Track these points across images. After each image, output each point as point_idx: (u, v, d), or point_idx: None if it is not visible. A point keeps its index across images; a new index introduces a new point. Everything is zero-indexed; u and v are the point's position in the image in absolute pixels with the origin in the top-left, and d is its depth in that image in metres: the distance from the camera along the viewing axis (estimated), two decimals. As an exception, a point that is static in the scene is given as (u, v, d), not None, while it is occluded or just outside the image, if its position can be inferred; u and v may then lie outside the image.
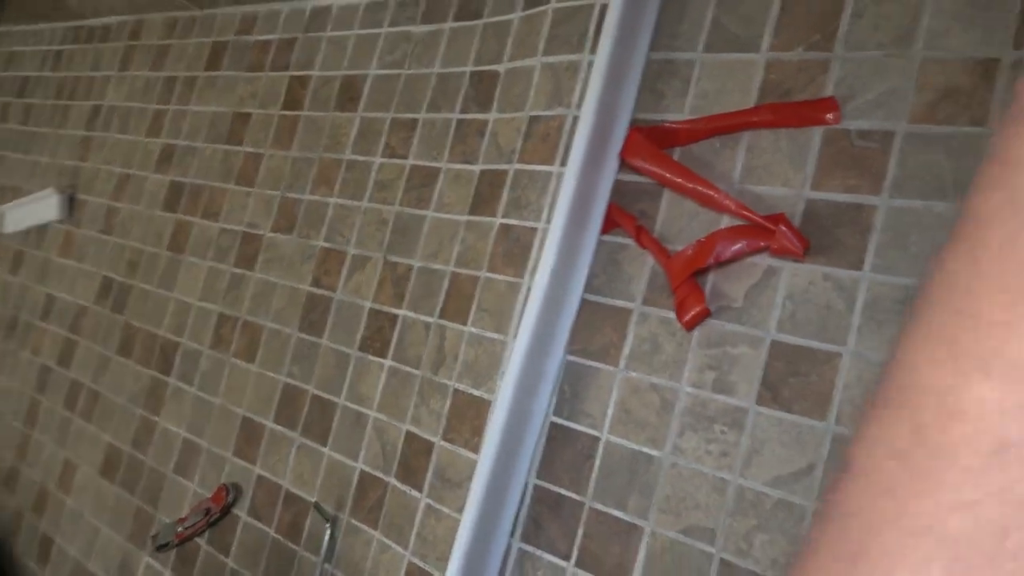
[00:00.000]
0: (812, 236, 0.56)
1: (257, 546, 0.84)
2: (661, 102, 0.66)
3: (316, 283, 0.88)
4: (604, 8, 0.70)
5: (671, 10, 0.67)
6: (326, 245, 0.89)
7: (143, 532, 0.96)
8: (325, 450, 0.81)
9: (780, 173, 0.59)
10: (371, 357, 0.80)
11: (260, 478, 0.86)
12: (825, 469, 0.53)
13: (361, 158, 0.89)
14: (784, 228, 0.56)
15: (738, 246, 0.58)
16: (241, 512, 0.87)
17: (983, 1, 0.53)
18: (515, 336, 0.68)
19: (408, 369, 0.77)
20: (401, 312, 0.79)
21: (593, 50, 0.70)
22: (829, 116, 0.57)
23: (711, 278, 0.60)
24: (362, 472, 0.77)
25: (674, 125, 0.64)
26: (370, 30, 0.94)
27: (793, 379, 0.55)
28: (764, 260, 0.58)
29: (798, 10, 0.61)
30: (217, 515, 0.87)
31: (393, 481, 0.74)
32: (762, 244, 0.57)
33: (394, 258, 0.82)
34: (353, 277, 0.85)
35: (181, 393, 0.98)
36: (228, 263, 0.99)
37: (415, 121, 0.85)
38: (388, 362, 0.79)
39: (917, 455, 0.15)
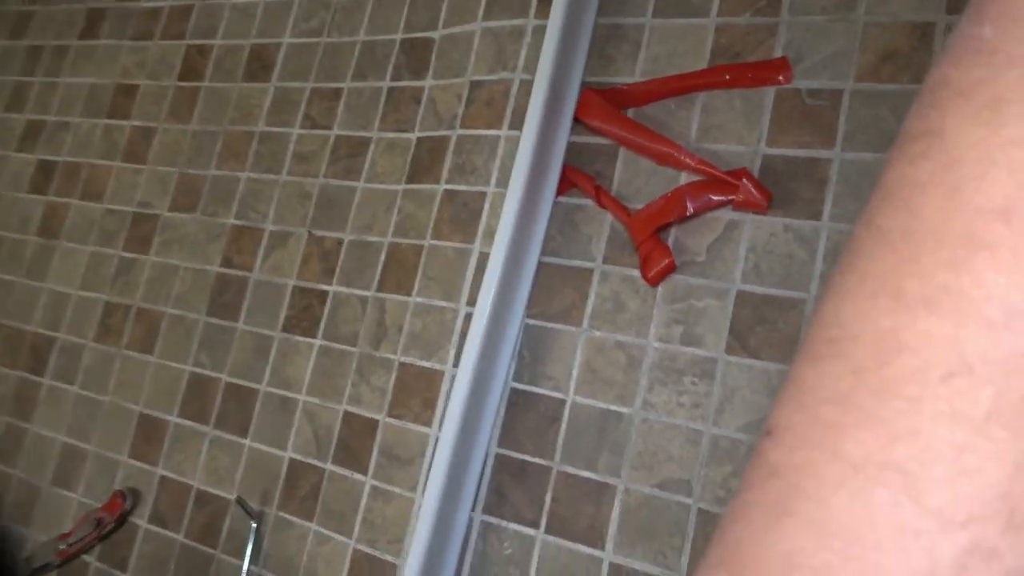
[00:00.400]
0: (771, 190, 0.58)
1: (163, 555, 0.74)
2: (611, 66, 0.66)
3: (228, 263, 0.81)
4: (547, -27, 0.70)
5: (617, -23, 0.68)
6: (238, 222, 0.82)
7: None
8: (245, 442, 0.74)
9: (735, 131, 0.61)
10: (298, 337, 0.74)
11: (164, 480, 0.77)
12: (796, 412, 0.54)
13: (276, 130, 0.83)
14: (748, 182, 0.57)
15: (704, 200, 0.58)
16: (141, 520, 0.77)
17: (915, -28, 0.58)
18: (468, 303, 0.65)
19: (343, 347, 0.71)
20: (332, 288, 0.74)
21: (537, 15, 0.69)
22: (780, 77, 0.60)
23: (673, 234, 0.60)
24: (292, 461, 0.71)
25: (628, 87, 0.65)
26: (282, -3, 0.88)
27: (760, 327, 0.56)
28: (725, 214, 0.59)
29: (744, -22, 0.63)
30: (111, 526, 0.76)
31: (330, 467, 0.69)
32: (727, 198, 0.58)
33: (320, 232, 0.76)
34: (272, 255, 0.78)
35: (59, 394, 0.86)
36: (116, 247, 0.89)
37: (339, 90, 0.81)
38: (318, 341, 0.73)
39: (858, 395, 0.14)
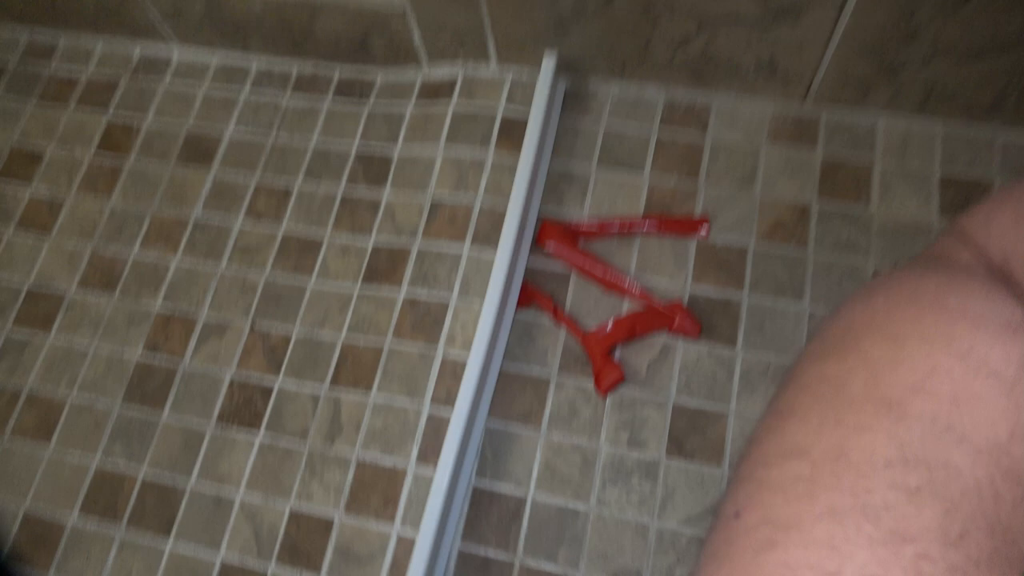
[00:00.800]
0: (698, 320, 0.71)
1: (57, 673, 0.67)
2: (562, 204, 0.78)
3: (153, 349, 0.78)
4: (506, 119, 0.81)
5: (566, 135, 0.81)
6: (166, 308, 0.80)
7: None
8: (167, 544, 0.70)
9: (667, 270, 0.74)
10: (236, 432, 0.73)
11: (60, 586, 0.70)
12: (724, 506, 0.65)
13: (216, 220, 0.83)
14: (683, 314, 0.70)
15: (646, 326, 0.70)
16: (26, 633, 0.68)
17: (796, 163, 0.76)
18: (432, 402, 0.70)
19: (290, 442, 0.72)
20: (277, 382, 0.75)
21: (496, 150, 0.80)
22: (701, 231, 0.75)
23: (619, 353, 0.71)
24: (225, 565, 0.69)
25: (579, 223, 0.76)
26: (225, 92, 0.91)
27: (693, 434, 0.68)
28: (661, 338, 0.71)
29: (670, 148, 0.79)
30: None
31: (272, 568, 0.68)
32: (666, 325, 0.70)
33: (265, 325, 0.77)
34: (207, 344, 0.78)
35: (-87, 487, 0.75)
36: (3, 323, 0.81)
37: (289, 189, 0.84)
38: (260, 436, 0.73)
39: (818, 486, 0.18)
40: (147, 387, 0.76)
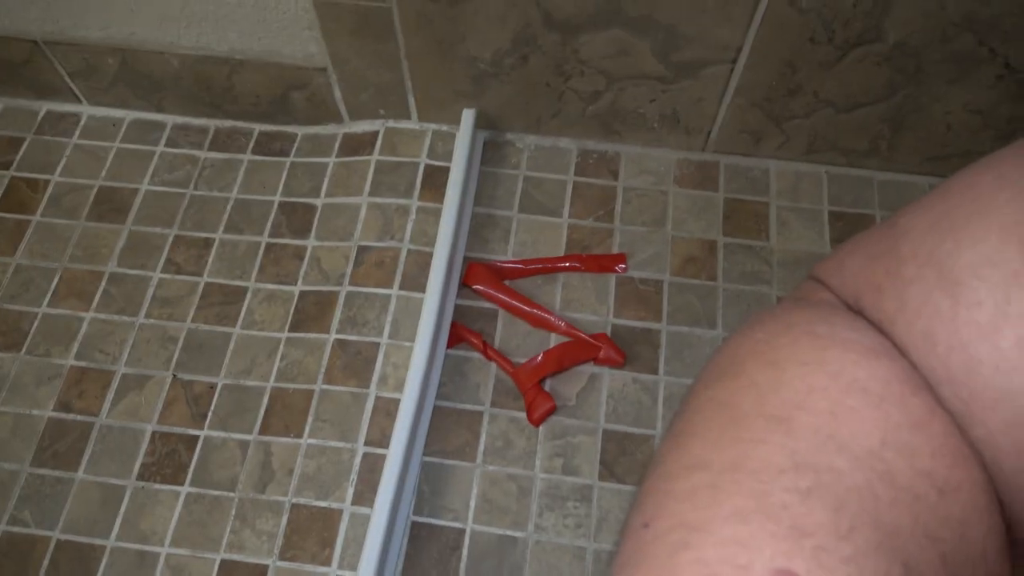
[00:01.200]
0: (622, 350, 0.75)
1: None
2: (487, 245, 0.81)
3: (65, 407, 0.74)
4: (428, 168, 0.85)
5: (488, 182, 0.85)
6: (79, 363, 0.77)
7: None
8: (82, 609, 0.66)
9: (590, 304, 0.78)
10: (158, 486, 0.70)
11: (-44, 669, 0.64)
12: (657, 526, 0.68)
13: (132, 272, 0.82)
14: (608, 344, 0.73)
15: (574, 358, 0.73)
16: None
17: (701, 204, 0.83)
18: (366, 443, 0.70)
19: (218, 493, 0.70)
20: (202, 432, 0.73)
21: (421, 198, 0.83)
22: (620, 267, 0.79)
23: (548, 384, 0.74)
24: (149, 624, 0.65)
25: (502, 263, 0.79)
26: (140, 146, 0.90)
27: (623, 458, 0.71)
28: (589, 368, 0.74)
29: (586, 193, 0.84)
30: None
31: (201, 625, 0.65)
32: (592, 356, 0.73)
33: (187, 376, 0.76)
34: (126, 398, 0.75)
35: None
36: None
37: (210, 240, 0.83)
38: (185, 488, 0.70)
39: (719, 494, 0.19)
40: (60, 446, 0.72)
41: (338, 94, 0.85)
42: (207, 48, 0.82)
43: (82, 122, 0.92)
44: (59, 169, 0.89)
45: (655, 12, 0.69)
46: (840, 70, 0.72)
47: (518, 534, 0.67)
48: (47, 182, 0.88)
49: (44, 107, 0.93)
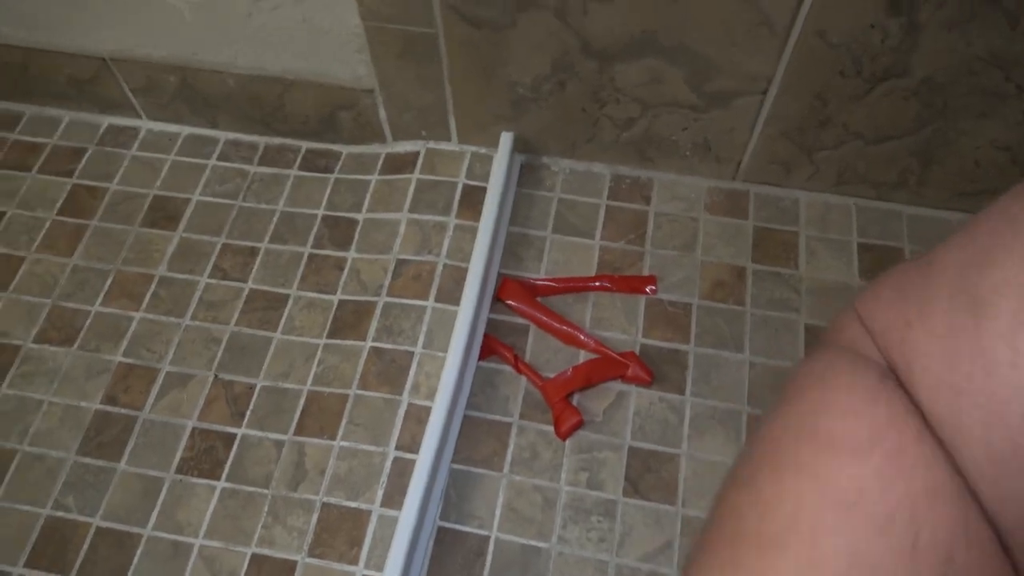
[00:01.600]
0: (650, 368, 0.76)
1: None
2: (521, 263, 0.84)
3: (112, 401, 0.78)
4: (466, 185, 0.88)
5: (523, 203, 0.88)
6: (127, 360, 0.80)
7: None
8: (118, 595, 0.68)
9: (619, 324, 0.80)
10: (195, 479, 0.73)
11: (-4, 646, 0.66)
12: (680, 544, 0.69)
13: (180, 276, 0.85)
14: (636, 363, 0.75)
15: (602, 374, 0.75)
16: None
17: (731, 231, 0.85)
18: (397, 448, 0.72)
19: (252, 489, 0.72)
20: (240, 431, 0.75)
21: (458, 216, 0.86)
22: (649, 288, 0.81)
23: (576, 399, 0.75)
24: (180, 613, 0.67)
25: (536, 281, 0.82)
26: (193, 159, 0.95)
27: (648, 475, 0.72)
28: (616, 386, 0.76)
29: (618, 217, 0.86)
30: None
31: (230, 616, 0.66)
32: (620, 373, 0.75)
33: (228, 376, 0.79)
34: (168, 395, 0.78)
35: None
36: (-49, 376, 0.80)
37: (256, 249, 0.87)
38: (221, 484, 0.73)
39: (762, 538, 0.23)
40: (104, 437, 0.76)
41: (383, 114, 0.89)
42: (262, 68, 0.87)
43: (140, 135, 0.97)
44: (117, 178, 0.94)
45: (688, 42, 0.72)
46: (868, 103, 0.74)
47: (542, 544, 0.69)
48: (105, 190, 0.93)
49: (106, 121, 0.99)
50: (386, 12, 0.76)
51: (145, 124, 0.98)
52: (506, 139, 0.86)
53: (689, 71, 0.75)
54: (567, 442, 0.73)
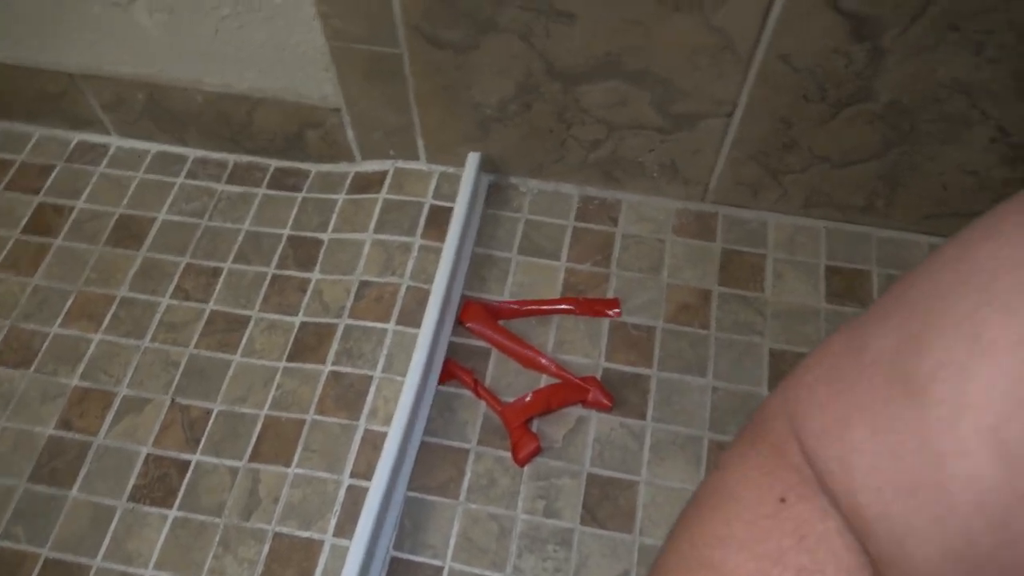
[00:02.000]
0: (611, 393, 0.75)
1: None
2: (485, 285, 0.83)
3: (66, 426, 0.76)
4: (432, 205, 0.87)
5: (490, 223, 0.87)
6: (83, 384, 0.79)
7: None
8: (64, 625, 0.67)
9: (582, 347, 0.79)
10: (147, 508, 0.72)
11: (-63, 678, 0.65)
12: (636, 573, 0.67)
13: (142, 296, 0.84)
14: (596, 388, 0.74)
15: (562, 399, 0.74)
16: None
17: (698, 253, 0.84)
18: (352, 475, 0.71)
19: (204, 518, 0.71)
20: (195, 457, 0.74)
21: (423, 236, 0.85)
22: (613, 312, 0.80)
23: (536, 425, 0.74)
24: (126, 645, 0.66)
25: (499, 303, 0.81)
26: (162, 177, 0.94)
27: (606, 502, 0.70)
28: (577, 411, 0.75)
29: (585, 238, 0.85)
30: None
31: (177, 648, 0.65)
32: (581, 398, 0.74)
33: (185, 400, 0.78)
34: (124, 419, 0.77)
35: None
36: (-95, 398, 0.79)
37: (219, 269, 0.86)
38: (173, 512, 0.71)
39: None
40: (57, 463, 0.74)
41: (351, 134, 0.88)
42: (229, 85, 0.86)
43: (110, 152, 0.97)
44: (84, 196, 0.93)
45: (652, 66, 0.71)
46: (834, 127, 0.73)
47: (496, 575, 0.67)
48: (72, 208, 0.92)
49: (76, 137, 0.98)
50: (351, 32, 0.75)
51: (115, 141, 0.97)
52: (472, 160, 0.85)
53: (654, 94, 0.74)
54: (525, 469, 0.72)
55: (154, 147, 0.96)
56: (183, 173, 0.94)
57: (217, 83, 0.87)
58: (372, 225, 0.87)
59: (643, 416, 0.75)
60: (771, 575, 0.24)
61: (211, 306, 0.83)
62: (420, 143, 0.87)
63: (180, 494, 0.72)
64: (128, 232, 0.90)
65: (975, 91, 0.67)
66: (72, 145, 0.97)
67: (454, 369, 0.77)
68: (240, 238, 0.88)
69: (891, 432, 0.21)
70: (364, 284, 0.83)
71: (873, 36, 0.64)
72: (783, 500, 0.25)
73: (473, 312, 0.79)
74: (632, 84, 0.74)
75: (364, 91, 0.82)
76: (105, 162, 0.96)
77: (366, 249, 0.85)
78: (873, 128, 0.72)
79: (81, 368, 0.80)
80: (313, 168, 0.93)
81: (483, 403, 0.75)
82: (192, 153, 0.96)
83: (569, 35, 0.70)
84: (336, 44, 0.77)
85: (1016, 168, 0.73)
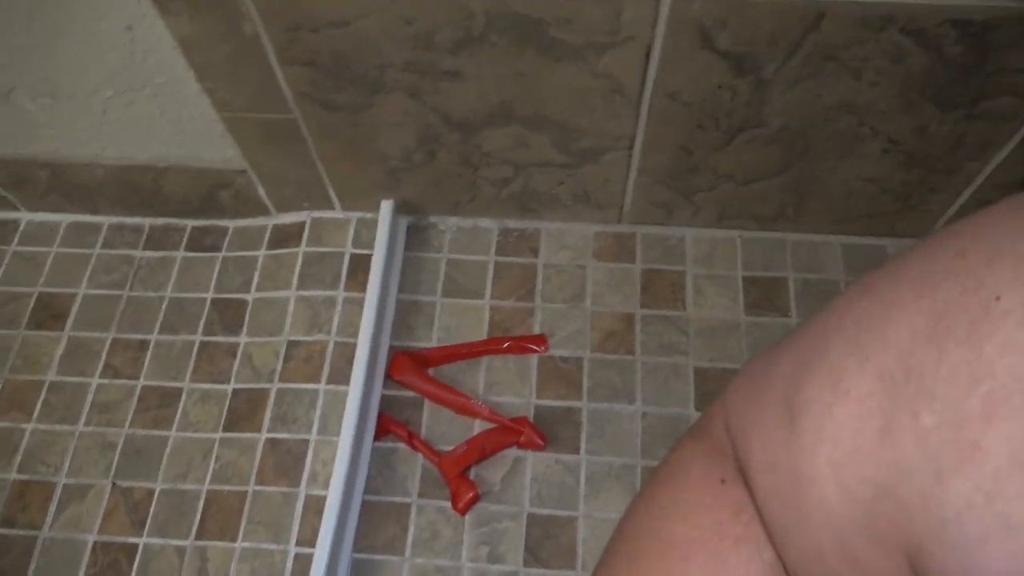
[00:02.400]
0: (544, 432, 0.77)
1: None
2: (412, 333, 0.83)
3: (9, 523, 0.77)
4: (354, 257, 0.87)
5: (412, 267, 0.87)
6: (22, 476, 0.79)
7: None
8: None
9: (513, 387, 0.80)
10: (100, 598, 0.73)
11: None
12: (580, 608, 0.70)
13: (71, 379, 0.84)
14: (529, 428, 0.76)
15: (496, 443, 0.76)
16: None
17: (619, 276, 0.85)
18: (297, 544, 0.72)
19: (157, 602, 0.72)
20: (142, 540, 0.75)
21: (347, 288, 0.85)
22: (540, 347, 0.82)
23: (474, 470, 0.76)
24: None
25: (427, 350, 0.82)
26: (77, 249, 0.93)
27: (547, 541, 0.73)
28: (513, 452, 0.77)
29: (507, 273, 0.86)
30: None
31: None
32: (515, 440, 0.76)
33: (126, 483, 0.78)
34: (68, 509, 0.77)
35: None
36: None
37: (145, 342, 0.86)
38: (126, 599, 0.73)
39: None
40: (4, 563, 0.75)
41: (262, 191, 0.88)
42: (130, 157, 0.85)
43: (21, 228, 0.95)
44: (-1, 278, 0.91)
45: (545, 111, 0.71)
46: (732, 151, 0.74)
47: (446, 626, 0.70)
48: (-13, 293, 0.90)
49: (-17, 215, 0.96)
50: (239, 103, 0.74)
51: (25, 216, 0.95)
52: (386, 208, 0.85)
53: (552, 135, 0.74)
54: (467, 516, 0.74)
55: (66, 218, 0.95)
56: (99, 243, 0.93)
57: (117, 156, 0.85)
58: (295, 281, 0.86)
59: (577, 450, 0.77)
60: (711, 542, 0.27)
61: (142, 382, 0.83)
62: (332, 194, 0.87)
63: (130, 581, 0.73)
64: (50, 312, 0.89)
65: (861, 111, 0.68)
66: (-19, 224, 0.95)
67: (388, 424, 0.78)
68: (164, 306, 0.88)
69: (772, 449, 0.25)
70: (292, 344, 0.83)
71: (754, 70, 0.64)
72: (723, 481, 0.28)
73: (401, 365, 0.80)
74: (529, 129, 0.74)
75: (266, 153, 0.81)
76: (16, 239, 0.94)
77: (291, 307, 0.85)
78: (770, 149, 0.73)
79: (17, 460, 0.80)
80: (230, 224, 0.93)
81: (420, 455, 0.77)
82: (106, 221, 0.94)
83: (459, 90, 0.70)
84: (227, 115, 0.76)
85: (911, 171, 0.75)
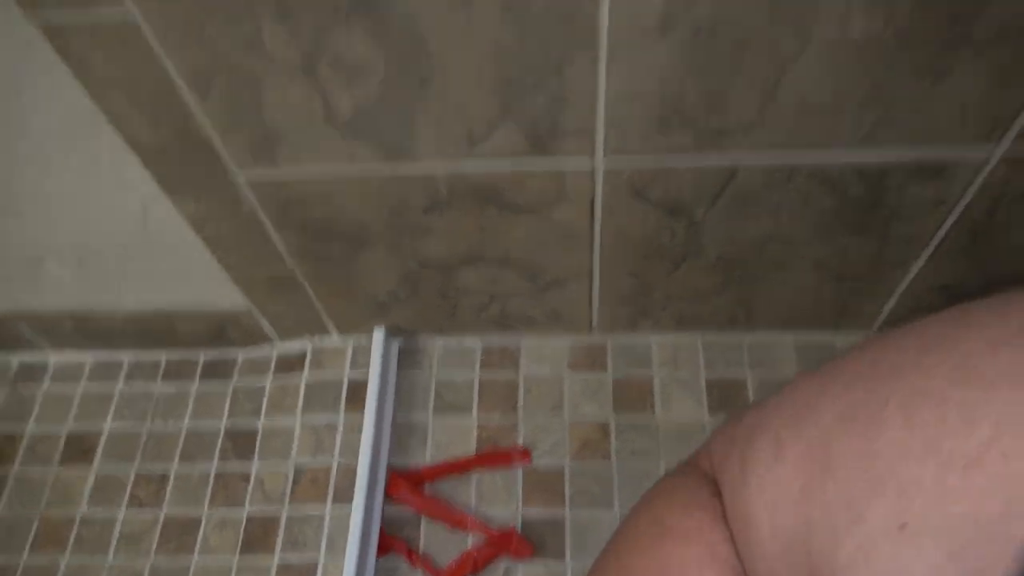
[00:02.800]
0: (532, 542, 0.84)
1: None
2: (408, 452, 0.91)
3: (48, 654, 0.84)
4: (352, 382, 0.96)
5: (405, 387, 0.96)
6: (59, 609, 0.87)
7: None
8: None
9: (501, 499, 0.87)
10: None
11: None
12: None
13: (101, 513, 0.92)
14: (516, 539, 0.83)
15: (487, 555, 0.83)
16: None
17: (594, 385, 0.93)
18: (310, 661, 0.79)
19: None
20: (169, 665, 0.82)
21: (347, 411, 0.93)
22: (524, 460, 0.89)
23: (468, 581, 0.83)
24: None
25: (422, 469, 0.89)
26: (102, 388, 1.02)
27: (538, 646, 0.79)
28: (504, 563, 0.84)
29: (491, 389, 0.94)
30: None
31: None
32: (504, 551, 0.83)
33: (153, 610, 0.85)
34: (100, 639, 0.84)
35: None
36: (-103, 654, 0.86)
37: (166, 474, 0.94)
38: None
39: None
40: None
41: (266, 325, 0.97)
42: (146, 305, 0.95)
43: (49, 370, 1.04)
44: (32, 419, 1.00)
45: (510, 254, 0.80)
46: (679, 276, 0.83)
47: None
48: (21, 435, 0.99)
49: (16, 360, 1.05)
50: (243, 264, 0.84)
51: (52, 357, 1.05)
52: (378, 335, 0.94)
53: (519, 271, 0.83)
54: (464, 626, 0.81)
55: (89, 358, 1.04)
56: (121, 379, 1.02)
57: (134, 306, 0.95)
58: (299, 408, 0.95)
59: (562, 557, 0.84)
60: (704, 530, 0.31)
61: (164, 512, 0.91)
62: (329, 323, 0.96)
63: None
64: (79, 448, 0.97)
65: (786, 240, 0.77)
66: (14, 368, 1.05)
67: (390, 541, 0.85)
68: (182, 439, 0.96)
69: (735, 491, 0.30)
70: (300, 468, 0.91)
71: (686, 214, 0.74)
72: (712, 495, 0.33)
73: (398, 485, 0.88)
74: (498, 267, 0.83)
75: (269, 298, 0.91)
76: (47, 381, 1.03)
77: (297, 432, 0.93)
78: (712, 274, 0.82)
79: (54, 594, 0.88)
80: (240, 354, 1.02)
81: (420, 571, 0.84)
82: (127, 357, 1.04)
83: (432, 242, 0.79)
84: (234, 273, 0.85)
85: (842, 283, 0.83)
